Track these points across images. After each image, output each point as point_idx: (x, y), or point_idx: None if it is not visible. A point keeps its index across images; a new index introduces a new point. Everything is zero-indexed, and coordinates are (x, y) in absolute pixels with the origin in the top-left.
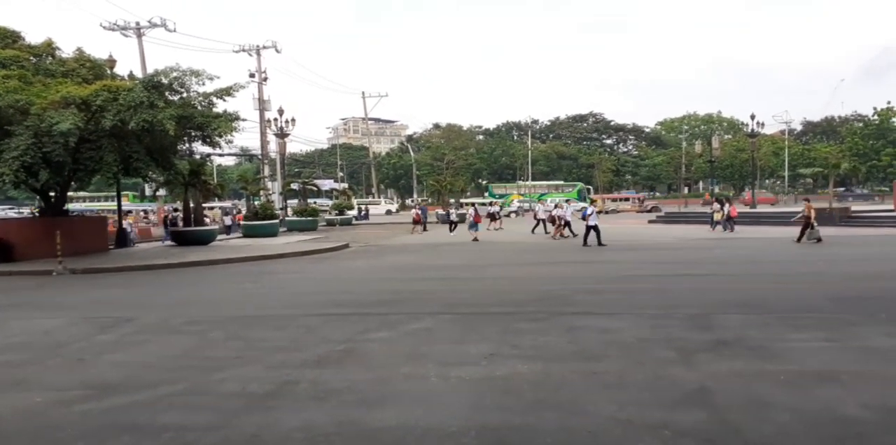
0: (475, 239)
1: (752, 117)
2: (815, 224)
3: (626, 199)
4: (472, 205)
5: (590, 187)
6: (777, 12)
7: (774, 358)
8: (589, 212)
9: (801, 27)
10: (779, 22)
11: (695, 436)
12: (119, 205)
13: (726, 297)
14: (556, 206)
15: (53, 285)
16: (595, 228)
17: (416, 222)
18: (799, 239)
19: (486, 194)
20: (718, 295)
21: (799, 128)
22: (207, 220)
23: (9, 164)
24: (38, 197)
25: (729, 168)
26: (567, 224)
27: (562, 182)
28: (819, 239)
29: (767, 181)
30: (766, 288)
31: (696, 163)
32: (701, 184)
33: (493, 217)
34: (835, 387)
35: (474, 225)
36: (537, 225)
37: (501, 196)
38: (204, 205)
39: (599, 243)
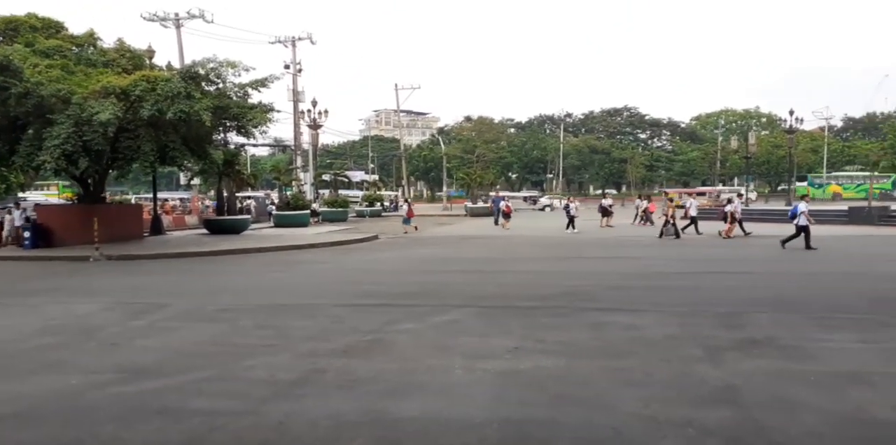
0: (406, 232)
1: (791, 113)
2: (672, 221)
3: (703, 194)
4: (406, 200)
5: None
6: (822, 7)
7: (804, 358)
8: (800, 209)
9: (849, 23)
10: (824, 17)
11: (720, 435)
12: (154, 194)
13: (756, 295)
14: (728, 201)
15: (90, 270)
16: (805, 229)
17: (505, 215)
18: (661, 235)
19: (805, 183)
20: (748, 293)
21: (839, 124)
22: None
23: (50, 152)
24: (77, 184)
25: (765, 164)
26: (733, 221)
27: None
28: (677, 236)
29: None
30: (797, 286)
31: (732, 159)
32: (736, 180)
33: (605, 212)
34: (866, 389)
35: (407, 220)
36: (689, 224)
37: (819, 186)
38: (237, 194)
39: (808, 246)
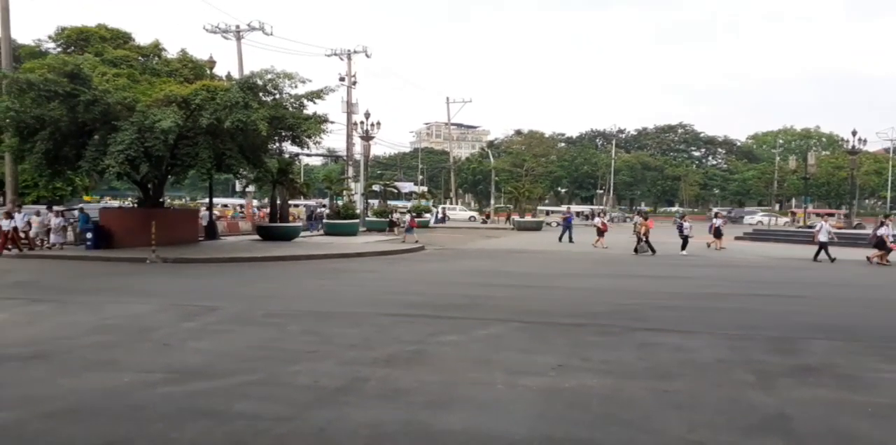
0: (416, 242)
1: (854, 133)
2: (644, 239)
3: (832, 215)
4: (409, 211)
5: None
6: (885, 20)
7: (863, 389)
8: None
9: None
10: (887, 30)
11: None
12: (210, 200)
13: (811, 321)
14: (881, 224)
15: (146, 272)
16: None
17: (601, 232)
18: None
19: None
20: (802, 318)
21: None
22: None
23: (115, 157)
24: (137, 188)
25: (825, 186)
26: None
27: None
28: (653, 252)
29: (867, 201)
30: (856, 313)
31: (790, 180)
32: (794, 202)
33: (717, 233)
34: None
35: (410, 229)
36: (821, 250)
37: None
38: (290, 202)
39: None
